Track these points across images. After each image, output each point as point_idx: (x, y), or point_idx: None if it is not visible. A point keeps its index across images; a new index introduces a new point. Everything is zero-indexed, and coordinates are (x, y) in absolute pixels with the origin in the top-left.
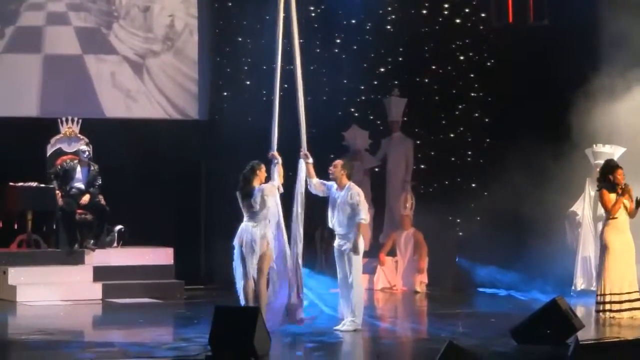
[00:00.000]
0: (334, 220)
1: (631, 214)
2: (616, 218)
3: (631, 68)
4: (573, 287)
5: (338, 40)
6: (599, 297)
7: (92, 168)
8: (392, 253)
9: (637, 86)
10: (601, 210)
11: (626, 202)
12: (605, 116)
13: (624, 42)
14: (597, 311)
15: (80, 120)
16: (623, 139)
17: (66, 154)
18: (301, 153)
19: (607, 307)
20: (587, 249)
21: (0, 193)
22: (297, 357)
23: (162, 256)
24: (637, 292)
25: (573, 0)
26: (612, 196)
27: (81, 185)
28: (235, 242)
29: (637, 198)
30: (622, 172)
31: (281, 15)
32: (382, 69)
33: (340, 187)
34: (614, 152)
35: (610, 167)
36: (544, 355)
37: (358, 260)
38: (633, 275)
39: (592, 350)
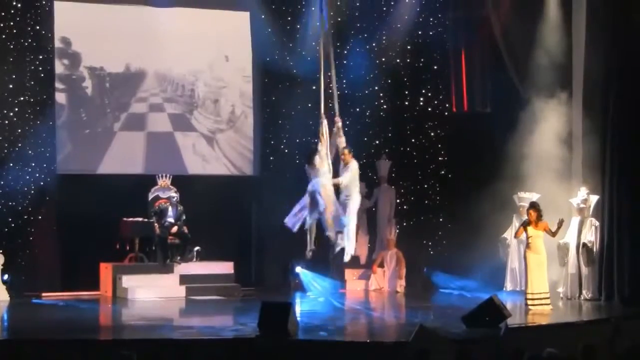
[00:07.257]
0: None
1: (555, 234)
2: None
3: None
4: (504, 289)
5: (347, 122)
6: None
7: (179, 208)
8: (381, 266)
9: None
10: (523, 236)
11: (535, 231)
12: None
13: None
14: (526, 305)
15: (171, 176)
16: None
17: (161, 198)
18: None
19: (535, 302)
20: (514, 262)
21: (118, 225)
22: (320, 336)
23: (225, 267)
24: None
25: (506, 92)
26: (523, 229)
27: (172, 220)
28: None
29: (559, 220)
30: (531, 212)
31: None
32: (377, 142)
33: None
34: (531, 197)
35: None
36: (484, 334)
37: None
38: (545, 281)
39: (517, 331)
